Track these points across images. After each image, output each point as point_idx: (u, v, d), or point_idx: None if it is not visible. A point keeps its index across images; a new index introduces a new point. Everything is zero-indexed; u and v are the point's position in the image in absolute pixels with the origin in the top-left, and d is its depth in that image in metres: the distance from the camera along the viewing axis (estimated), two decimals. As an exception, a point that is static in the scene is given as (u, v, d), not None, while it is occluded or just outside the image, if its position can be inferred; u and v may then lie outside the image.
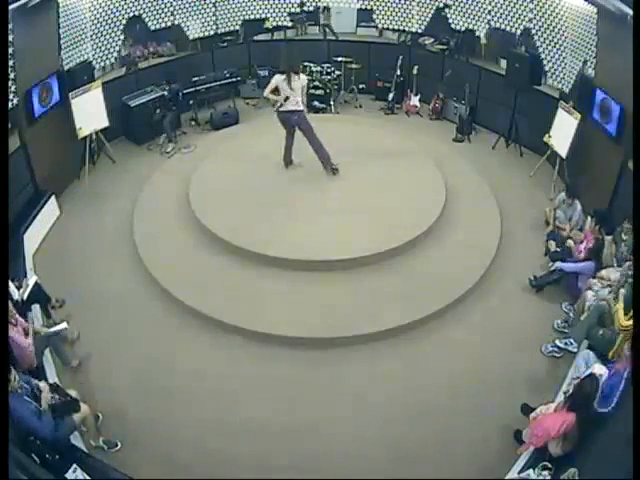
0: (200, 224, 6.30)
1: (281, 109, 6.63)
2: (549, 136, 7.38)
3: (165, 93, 8.36)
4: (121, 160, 8.09)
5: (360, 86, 9.93)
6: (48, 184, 6.90)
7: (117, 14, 8.49)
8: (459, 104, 9.04)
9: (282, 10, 10.10)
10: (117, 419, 4.49)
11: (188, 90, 8.73)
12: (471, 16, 9.22)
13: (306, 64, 9.36)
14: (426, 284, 5.68)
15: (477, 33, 9.36)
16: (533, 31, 8.45)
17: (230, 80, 9.21)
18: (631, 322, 4.61)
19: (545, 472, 3.77)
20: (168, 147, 8.26)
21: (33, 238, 6.32)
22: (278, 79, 6.55)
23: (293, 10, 10.20)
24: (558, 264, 5.73)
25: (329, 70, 9.56)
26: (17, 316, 4.61)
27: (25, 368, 4.46)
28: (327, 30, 10.68)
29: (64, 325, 4.92)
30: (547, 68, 8.30)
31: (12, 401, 3.71)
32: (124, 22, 8.63)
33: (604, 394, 3.90)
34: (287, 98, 6.50)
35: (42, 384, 4.08)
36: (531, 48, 8.55)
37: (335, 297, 5.53)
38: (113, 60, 8.75)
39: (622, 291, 4.81)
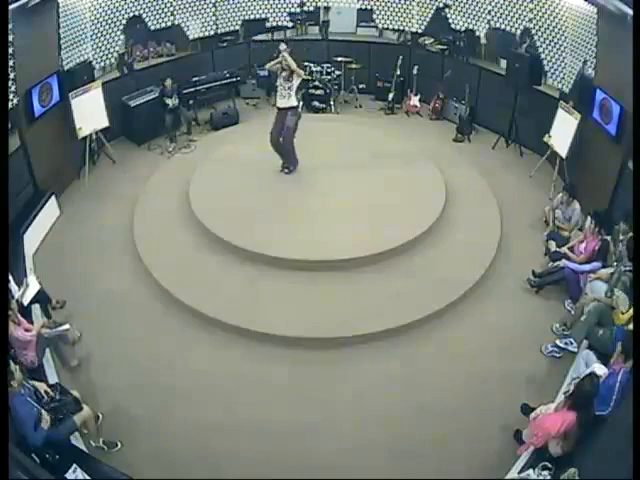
0: (200, 224, 6.30)
1: (278, 105, 6.72)
2: (549, 136, 7.39)
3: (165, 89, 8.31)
4: (121, 160, 8.09)
5: (360, 86, 9.93)
6: (48, 184, 6.90)
7: (117, 14, 8.48)
8: (459, 104, 9.04)
9: (282, 10, 10.10)
10: (117, 419, 4.49)
11: (188, 90, 8.74)
12: (471, 16, 9.22)
13: (306, 64, 9.36)
14: (426, 284, 5.69)
15: (477, 33, 9.36)
16: (533, 31, 8.45)
17: (230, 80, 9.22)
18: (626, 316, 4.65)
19: (545, 472, 3.77)
20: (170, 147, 8.26)
21: (33, 238, 6.32)
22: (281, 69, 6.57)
23: (293, 10, 10.21)
24: (565, 262, 5.70)
25: (329, 70, 9.57)
26: (20, 316, 4.63)
27: (27, 367, 4.47)
28: (323, 29, 10.71)
29: (67, 326, 4.93)
30: (547, 68, 8.30)
31: (14, 401, 3.71)
32: (124, 22, 8.63)
33: (601, 395, 3.91)
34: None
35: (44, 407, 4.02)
36: (531, 48, 8.56)
37: (335, 297, 5.52)
38: (113, 60, 8.74)
39: (617, 293, 4.84)
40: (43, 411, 3.89)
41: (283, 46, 6.57)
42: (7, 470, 2.80)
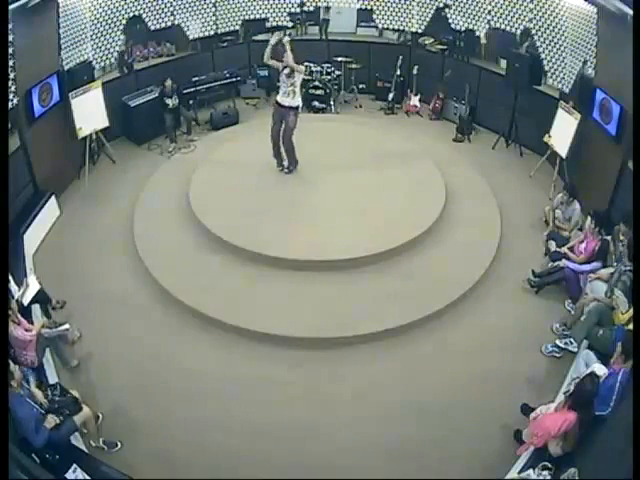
0: (200, 224, 6.30)
1: (279, 101, 6.61)
2: (549, 136, 7.38)
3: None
4: (121, 160, 8.09)
5: (360, 86, 9.94)
6: (48, 184, 6.90)
7: (117, 14, 8.48)
8: (459, 104, 9.04)
9: (282, 10, 10.10)
10: (117, 419, 4.49)
11: (188, 90, 8.74)
12: (471, 16, 9.21)
13: (306, 64, 9.35)
14: (426, 284, 5.69)
15: (477, 33, 9.36)
16: (533, 31, 8.45)
17: (230, 80, 9.23)
18: (626, 316, 4.65)
19: (545, 472, 3.77)
20: (170, 147, 8.26)
21: (33, 238, 6.32)
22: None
23: (293, 10, 10.21)
24: (565, 262, 5.69)
25: (329, 70, 9.57)
26: (20, 316, 4.62)
27: (27, 367, 4.46)
28: (323, 28, 10.70)
29: (66, 326, 4.93)
30: (547, 68, 8.30)
31: (14, 402, 3.71)
32: (124, 22, 8.63)
33: (601, 395, 3.91)
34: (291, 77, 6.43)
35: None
36: (531, 48, 8.56)
37: (335, 297, 5.52)
38: (113, 60, 8.75)
39: (617, 293, 4.84)
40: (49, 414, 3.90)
41: (287, 38, 6.49)
42: (7, 470, 2.80)
